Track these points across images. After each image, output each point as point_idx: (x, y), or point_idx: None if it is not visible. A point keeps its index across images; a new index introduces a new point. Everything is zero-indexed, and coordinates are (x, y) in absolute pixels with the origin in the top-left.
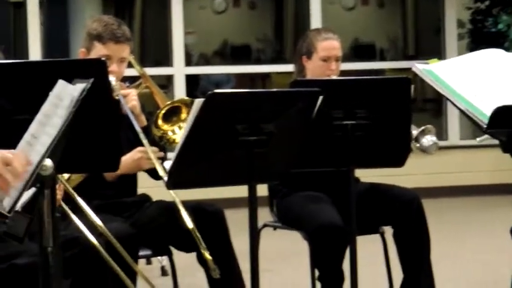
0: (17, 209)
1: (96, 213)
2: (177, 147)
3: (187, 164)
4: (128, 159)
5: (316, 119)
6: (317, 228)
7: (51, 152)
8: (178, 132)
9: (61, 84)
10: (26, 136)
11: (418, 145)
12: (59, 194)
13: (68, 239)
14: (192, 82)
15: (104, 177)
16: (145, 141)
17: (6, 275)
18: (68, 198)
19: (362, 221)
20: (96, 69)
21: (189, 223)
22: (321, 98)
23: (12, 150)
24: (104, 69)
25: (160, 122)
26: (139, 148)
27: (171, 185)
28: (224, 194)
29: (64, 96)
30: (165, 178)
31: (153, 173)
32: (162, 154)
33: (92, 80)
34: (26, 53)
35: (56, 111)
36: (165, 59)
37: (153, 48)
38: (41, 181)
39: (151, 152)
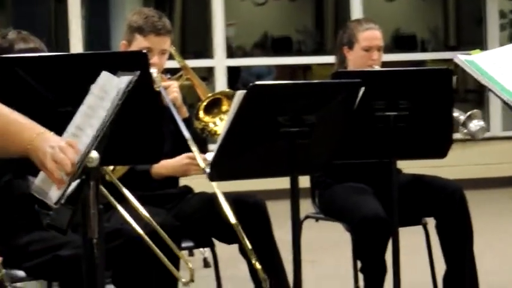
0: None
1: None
2: (219, 139)
3: (229, 156)
4: (175, 163)
5: (358, 110)
6: (360, 219)
7: (96, 144)
8: (219, 124)
9: (105, 76)
10: (71, 128)
11: (465, 130)
12: None
13: (111, 231)
14: (233, 74)
15: (150, 175)
16: (194, 147)
17: (50, 266)
18: (113, 190)
19: (404, 212)
20: (137, 62)
21: (232, 218)
22: (362, 89)
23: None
24: (146, 61)
25: (201, 114)
26: (189, 154)
27: (213, 176)
28: (266, 185)
29: (109, 88)
30: (207, 170)
31: None
32: (208, 162)
33: (138, 72)
34: (67, 46)
35: (101, 103)
36: (206, 51)
37: (194, 40)
38: (86, 173)
39: (201, 158)
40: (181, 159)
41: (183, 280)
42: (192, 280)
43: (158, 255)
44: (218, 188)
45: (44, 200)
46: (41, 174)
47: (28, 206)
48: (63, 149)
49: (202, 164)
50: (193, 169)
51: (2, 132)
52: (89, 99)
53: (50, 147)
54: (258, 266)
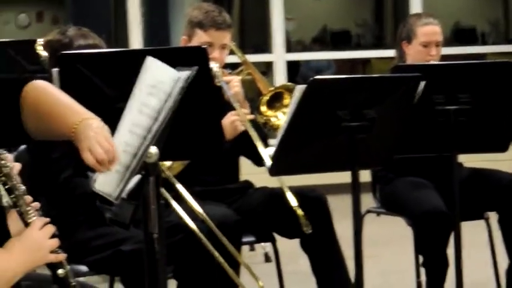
0: (122, 196)
1: (199, 200)
2: (280, 134)
3: (290, 151)
4: (225, 124)
5: (418, 104)
6: (421, 214)
7: (155, 140)
8: (281, 118)
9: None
10: (127, 123)
11: None
12: None
13: (172, 226)
14: (292, 68)
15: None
16: (236, 104)
17: (112, 261)
18: (170, 186)
19: (466, 206)
20: (197, 57)
21: (294, 202)
22: (422, 83)
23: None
24: (205, 56)
25: (263, 108)
26: (232, 112)
27: (274, 171)
28: (327, 180)
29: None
30: (268, 164)
31: (256, 159)
32: (253, 116)
33: (196, 67)
34: (127, 42)
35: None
36: (265, 46)
37: (253, 35)
38: (146, 168)
39: (243, 113)
40: (228, 118)
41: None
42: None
43: (214, 255)
44: (278, 184)
45: (105, 196)
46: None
47: (90, 202)
48: (100, 140)
49: (245, 117)
50: (240, 124)
51: (48, 112)
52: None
53: (91, 135)
54: (299, 211)
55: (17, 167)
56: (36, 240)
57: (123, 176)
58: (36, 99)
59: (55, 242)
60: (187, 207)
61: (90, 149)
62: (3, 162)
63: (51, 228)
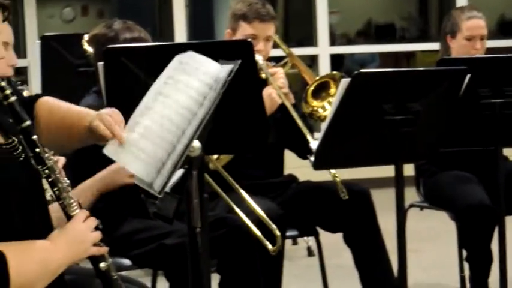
0: (166, 190)
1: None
2: (324, 127)
3: (334, 144)
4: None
5: (463, 98)
6: (465, 208)
7: (199, 134)
8: (328, 108)
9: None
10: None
11: None
12: None
13: (216, 220)
14: (337, 62)
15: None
16: (270, 77)
17: (156, 255)
18: (218, 178)
19: (511, 201)
20: (242, 50)
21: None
22: (468, 76)
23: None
24: (251, 49)
25: (309, 98)
26: (268, 86)
27: (318, 165)
28: (370, 173)
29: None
30: (312, 158)
31: (300, 152)
32: (287, 90)
33: (239, 61)
34: (172, 35)
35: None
36: (309, 39)
37: (297, 28)
38: (189, 162)
39: (278, 87)
40: (265, 92)
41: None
42: None
43: (264, 244)
44: (322, 177)
45: (148, 190)
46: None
47: (134, 195)
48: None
49: (276, 84)
50: (277, 97)
51: (61, 119)
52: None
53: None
54: (337, 178)
55: (61, 160)
56: (80, 233)
57: (166, 169)
58: (49, 112)
59: (97, 234)
60: (236, 199)
61: (101, 119)
62: (46, 155)
63: (93, 221)
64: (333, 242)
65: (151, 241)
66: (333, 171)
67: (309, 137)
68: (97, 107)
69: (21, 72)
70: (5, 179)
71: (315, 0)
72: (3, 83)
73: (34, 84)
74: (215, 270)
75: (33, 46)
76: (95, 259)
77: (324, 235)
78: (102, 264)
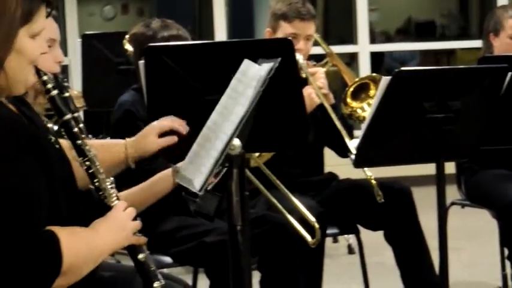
0: (207, 188)
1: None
2: (364, 125)
3: (375, 142)
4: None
5: (505, 96)
6: (507, 206)
7: (239, 132)
8: (367, 109)
9: (247, 64)
10: (214, 116)
11: None
12: None
13: (257, 217)
14: (376, 60)
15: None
16: (310, 77)
17: (196, 252)
18: (259, 175)
19: None
20: (283, 49)
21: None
22: (510, 74)
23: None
24: (291, 48)
25: (349, 99)
26: (307, 86)
27: (359, 163)
28: (411, 171)
29: (251, 76)
30: (353, 156)
31: (340, 150)
32: (327, 91)
33: (279, 59)
34: (212, 34)
35: (243, 91)
36: (349, 37)
37: (337, 26)
38: (229, 161)
39: (317, 87)
40: (304, 92)
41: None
42: None
43: (303, 236)
44: (362, 175)
45: (188, 188)
46: (184, 163)
47: (175, 193)
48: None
49: (320, 91)
50: (316, 97)
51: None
52: (231, 87)
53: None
54: (373, 181)
55: None
56: (121, 221)
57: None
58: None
59: (138, 223)
60: (275, 197)
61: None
62: (87, 147)
63: (133, 211)
64: (374, 240)
65: (192, 239)
66: (368, 173)
67: (346, 138)
68: (132, 103)
69: (62, 70)
70: (54, 171)
71: None
72: (45, 77)
73: (75, 83)
74: (256, 268)
75: (74, 44)
76: (133, 250)
77: (364, 233)
78: (140, 256)
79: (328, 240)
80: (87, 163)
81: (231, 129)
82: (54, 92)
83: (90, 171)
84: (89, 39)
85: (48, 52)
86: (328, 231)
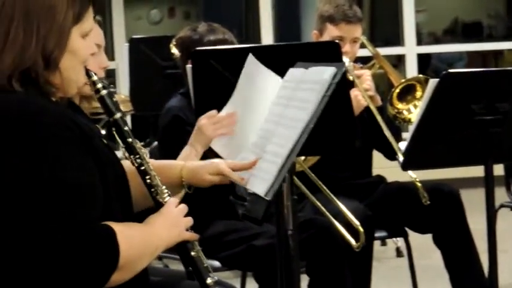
0: (252, 191)
1: (333, 195)
2: (412, 127)
3: (423, 145)
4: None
5: None
6: None
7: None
8: (413, 111)
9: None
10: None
11: None
12: None
13: (304, 221)
14: (423, 61)
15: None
16: (356, 80)
17: (245, 256)
18: (305, 180)
19: None
20: (330, 52)
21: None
22: None
23: None
24: (338, 51)
25: (395, 100)
26: (353, 88)
27: (407, 165)
28: (459, 173)
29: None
30: (401, 159)
31: (388, 153)
32: (373, 93)
33: (345, 64)
34: (258, 37)
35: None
36: (396, 38)
37: (383, 28)
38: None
39: (363, 89)
40: (351, 94)
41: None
42: None
43: (351, 244)
44: (410, 178)
45: (250, 191)
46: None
47: (223, 197)
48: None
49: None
50: (362, 99)
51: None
52: (282, 92)
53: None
54: (418, 184)
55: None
56: (174, 217)
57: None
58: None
59: (190, 220)
60: (323, 201)
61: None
62: (138, 145)
63: (185, 207)
64: (423, 243)
65: (241, 242)
66: (413, 175)
67: (392, 141)
68: (180, 108)
69: (109, 75)
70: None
71: (401, 0)
72: (95, 77)
73: (122, 87)
74: (304, 272)
75: (122, 48)
76: (185, 247)
77: (413, 236)
78: (193, 252)
79: (377, 244)
80: (139, 160)
81: (296, 134)
82: (104, 92)
83: (142, 168)
84: (136, 43)
85: (94, 56)
86: (377, 235)
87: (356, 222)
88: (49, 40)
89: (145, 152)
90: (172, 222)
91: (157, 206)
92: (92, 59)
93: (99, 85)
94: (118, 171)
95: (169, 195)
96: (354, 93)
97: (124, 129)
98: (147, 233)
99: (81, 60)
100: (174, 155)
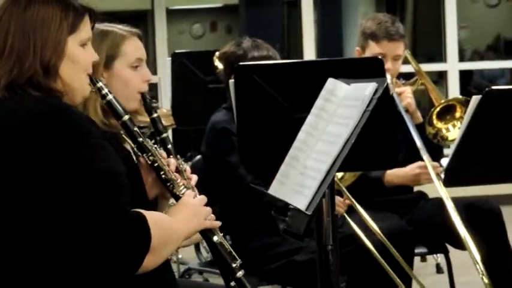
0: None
1: (373, 210)
2: (454, 144)
3: (465, 161)
4: (407, 173)
5: None
6: None
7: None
8: (451, 130)
9: (333, 82)
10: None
11: None
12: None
13: (344, 236)
14: (465, 77)
15: (383, 183)
16: (425, 156)
17: (285, 271)
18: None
19: None
20: (373, 68)
21: (460, 226)
22: None
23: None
24: (381, 68)
25: (434, 119)
26: (419, 163)
27: (448, 182)
28: (501, 190)
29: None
30: (442, 175)
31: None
32: (441, 170)
33: (386, 79)
34: (300, 51)
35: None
36: (438, 55)
37: (425, 43)
38: None
39: (432, 167)
40: (412, 169)
41: None
42: None
43: (384, 267)
44: (453, 193)
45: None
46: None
47: (265, 211)
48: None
49: (433, 174)
50: (424, 178)
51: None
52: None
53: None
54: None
55: (194, 178)
56: (194, 207)
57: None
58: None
59: (209, 209)
60: (360, 218)
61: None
62: (149, 143)
63: (204, 198)
64: (463, 260)
65: (281, 257)
66: (442, 190)
67: (425, 157)
68: (224, 122)
69: (151, 88)
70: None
71: (444, 16)
72: (99, 84)
73: (164, 101)
74: (344, 287)
75: (164, 62)
76: (207, 234)
77: (453, 252)
78: (215, 238)
79: (417, 259)
80: (151, 158)
81: (336, 150)
82: (110, 96)
83: (155, 164)
84: (179, 57)
85: (137, 71)
86: (417, 250)
87: (388, 243)
88: (45, 50)
89: (156, 147)
90: (191, 212)
91: (175, 198)
92: (134, 73)
93: (105, 90)
94: (131, 163)
95: (185, 188)
96: (415, 170)
97: (133, 129)
98: (170, 222)
99: (83, 68)
100: (224, 161)
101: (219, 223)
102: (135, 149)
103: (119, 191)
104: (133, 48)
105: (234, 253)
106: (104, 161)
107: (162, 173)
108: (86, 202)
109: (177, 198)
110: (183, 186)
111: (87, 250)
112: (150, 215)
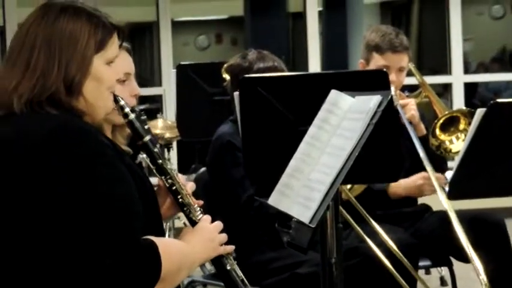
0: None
1: (377, 223)
2: (458, 157)
3: (469, 174)
4: (410, 184)
5: None
6: None
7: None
8: (455, 143)
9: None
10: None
11: None
12: None
13: (349, 249)
14: (470, 90)
15: (388, 195)
16: (429, 167)
17: (289, 283)
18: (350, 208)
19: None
20: (378, 80)
21: (464, 241)
22: None
23: None
24: (386, 80)
25: (438, 131)
26: (423, 174)
27: (452, 195)
28: (506, 203)
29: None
30: (446, 188)
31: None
32: (445, 181)
33: (390, 92)
34: (306, 63)
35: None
36: (443, 67)
37: (430, 56)
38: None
39: (435, 179)
40: (416, 180)
41: None
42: None
43: (395, 276)
44: (457, 205)
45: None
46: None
47: (269, 224)
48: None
49: (436, 185)
50: (427, 189)
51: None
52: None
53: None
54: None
55: (190, 185)
56: (210, 232)
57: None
58: None
59: (224, 236)
60: (368, 230)
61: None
62: (169, 166)
63: (220, 224)
64: (467, 273)
65: (285, 270)
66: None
67: (429, 168)
68: (229, 135)
69: (156, 100)
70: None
71: (449, 28)
72: (122, 102)
73: (169, 112)
74: None
75: (169, 74)
76: (220, 261)
77: (457, 265)
78: (228, 266)
79: (421, 272)
80: (170, 181)
81: (340, 163)
82: (132, 116)
83: (173, 188)
84: (184, 69)
85: (125, 84)
86: (421, 263)
87: (399, 254)
88: (70, 67)
89: (175, 170)
90: (207, 237)
91: (192, 223)
92: (123, 87)
93: (127, 109)
94: (148, 187)
95: (202, 213)
96: (418, 181)
97: (154, 150)
98: (184, 248)
99: (107, 86)
100: (227, 175)
101: (232, 247)
102: (154, 170)
103: (130, 217)
104: (121, 62)
105: (245, 280)
106: (116, 184)
107: (179, 196)
108: (97, 230)
109: (194, 223)
110: (199, 211)
111: (96, 278)
112: (162, 243)
